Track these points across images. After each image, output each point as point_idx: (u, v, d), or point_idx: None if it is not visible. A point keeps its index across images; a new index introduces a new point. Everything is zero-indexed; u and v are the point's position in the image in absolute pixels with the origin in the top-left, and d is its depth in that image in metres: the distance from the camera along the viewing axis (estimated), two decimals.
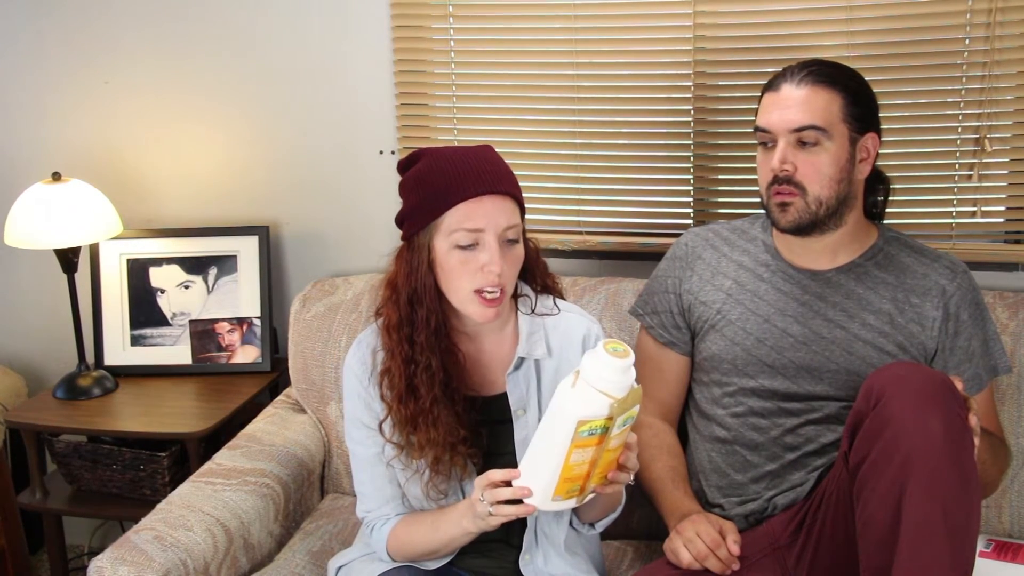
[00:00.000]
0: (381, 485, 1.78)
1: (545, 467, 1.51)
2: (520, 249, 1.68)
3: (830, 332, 1.87)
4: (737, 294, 1.94)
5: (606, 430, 1.48)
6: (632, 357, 1.49)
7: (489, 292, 1.64)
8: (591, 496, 1.60)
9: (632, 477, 1.62)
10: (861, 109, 1.83)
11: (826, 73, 1.82)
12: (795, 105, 1.80)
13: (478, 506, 1.59)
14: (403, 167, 1.72)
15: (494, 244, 1.63)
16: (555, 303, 1.79)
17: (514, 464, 1.61)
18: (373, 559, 1.80)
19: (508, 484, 1.55)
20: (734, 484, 1.91)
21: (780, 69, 1.87)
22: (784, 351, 1.88)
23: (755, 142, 1.88)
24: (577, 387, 1.49)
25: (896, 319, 1.87)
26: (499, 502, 1.56)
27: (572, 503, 1.57)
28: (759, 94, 1.88)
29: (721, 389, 1.94)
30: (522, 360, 1.74)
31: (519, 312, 1.77)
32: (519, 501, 1.55)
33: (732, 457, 1.91)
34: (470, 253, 1.64)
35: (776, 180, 1.83)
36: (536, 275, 1.79)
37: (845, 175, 1.83)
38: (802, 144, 1.81)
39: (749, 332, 1.91)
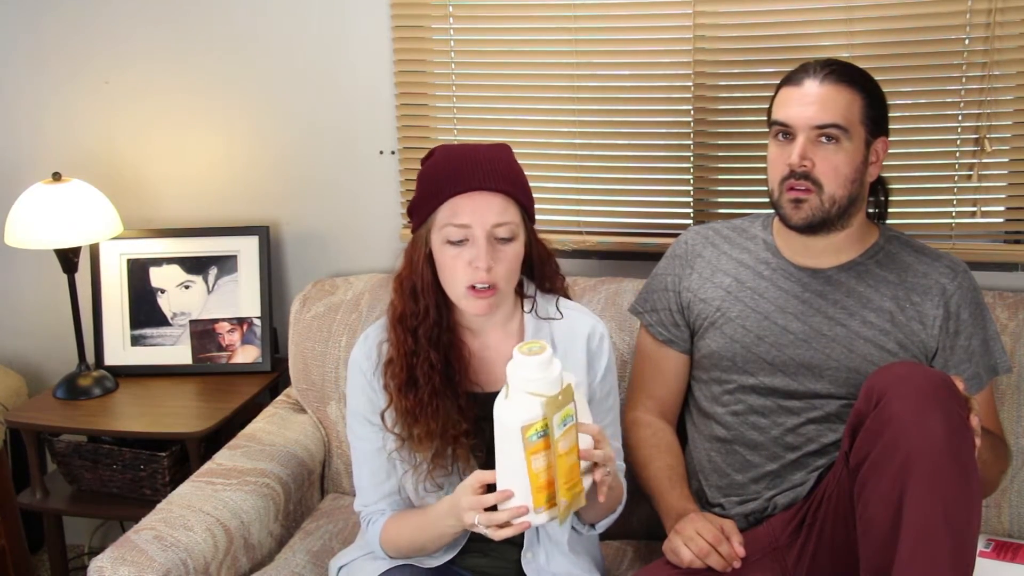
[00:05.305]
0: (379, 480, 1.79)
1: (518, 485, 1.50)
2: (517, 247, 1.69)
3: (831, 329, 1.87)
4: (737, 291, 1.94)
5: (547, 431, 1.47)
6: (549, 351, 1.49)
7: (480, 285, 1.66)
8: (573, 511, 1.57)
9: (608, 472, 1.57)
10: (876, 112, 1.84)
11: (847, 73, 1.83)
12: (818, 102, 1.80)
13: (474, 523, 1.56)
14: (422, 162, 1.75)
15: (482, 241, 1.64)
16: (557, 306, 1.79)
17: None
18: (374, 558, 1.80)
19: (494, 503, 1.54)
20: (734, 484, 1.91)
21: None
22: (784, 348, 1.88)
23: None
24: (509, 397, 1.50)
25: (897, 317, 1.87)
26: (495, 525, 1.53)
27: (554, 515, 1.54)
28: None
29: (721, 387, 1.94)
30: None
31: (523, 310, 1.78)
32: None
33: (732, 457, 1.91)
34: (460, 249, 1.66)
35: (792, 175, 1.82)
36: (544, 277, 1.79)
37: (859, 176, 1.84)
38: (821, 141, 1.81)
39: (749, 329, 1.91)
